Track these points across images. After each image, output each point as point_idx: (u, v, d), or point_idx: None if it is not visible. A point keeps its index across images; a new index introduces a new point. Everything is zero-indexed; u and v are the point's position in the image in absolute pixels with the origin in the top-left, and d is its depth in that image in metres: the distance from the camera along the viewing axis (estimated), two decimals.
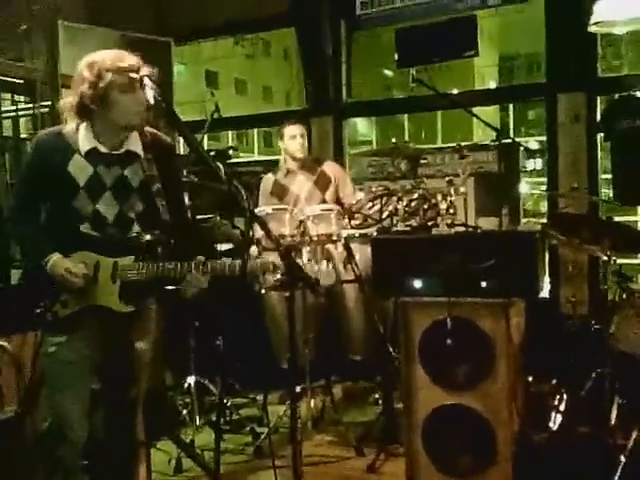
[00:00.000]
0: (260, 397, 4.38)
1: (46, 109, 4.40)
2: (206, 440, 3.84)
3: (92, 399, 2.50)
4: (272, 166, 4.86)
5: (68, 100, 2.44)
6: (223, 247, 4.70)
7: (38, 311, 2.41)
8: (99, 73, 2.35)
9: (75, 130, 2.46)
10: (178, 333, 4.09)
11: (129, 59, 2.38)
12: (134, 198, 2.52)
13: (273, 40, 33.75)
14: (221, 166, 2.18)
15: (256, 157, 6.81)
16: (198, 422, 3.92)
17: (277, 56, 35.50)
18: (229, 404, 4.15)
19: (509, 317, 3.12)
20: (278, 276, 2.10)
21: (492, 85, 28.70)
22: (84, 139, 2.45)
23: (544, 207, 8.61)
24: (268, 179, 4.65)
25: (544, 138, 5.67)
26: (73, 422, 2.42)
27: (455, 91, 6.87)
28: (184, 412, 3.98)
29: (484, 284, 3.17)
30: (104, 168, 2.47)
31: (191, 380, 3.99)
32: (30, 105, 4.69)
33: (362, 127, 8.28)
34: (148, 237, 2.48)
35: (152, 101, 2.22)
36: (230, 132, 7.37)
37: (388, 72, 26.71)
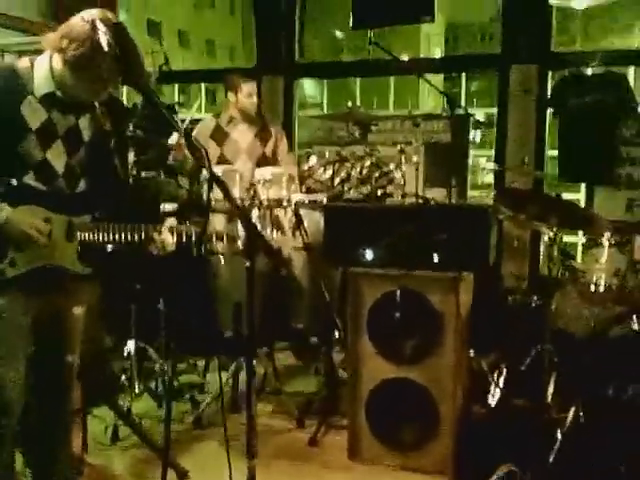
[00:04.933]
0: (200, 363, 4.31)
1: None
2: (144, 408, 3.75)
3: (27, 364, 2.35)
4: None
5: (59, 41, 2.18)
6: (167, 207, 4.55)
7: None
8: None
9: (29, 67, 2.25)
10: (118, 296, 3.93)
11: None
12: (82, 151, 2.36)
13: None
14: (180, 123, 2.03)
15: (202, 114, 6.52)
16: (137, 389, 3.80)
17: (222, 10, 34.59)
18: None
19: (459, 292, 3.10)
20: (239, 243, 2.00)
21: (437, 53, 28.85)
22: (42, 81, 2.24)
23: (480, 178, 8.70)
24: (209, 122, 4.56)
25: (490, 110, 5.68)
26: (12, 390, 2.27)
27: (405, 57, 6.79)
28: (123, 378, 3.85)
29: (436, 258, 3.14)
30: (58, 114, 2.28)
31: (131, 345, 3.85)
32: None
33: (310, 88, 8.13)
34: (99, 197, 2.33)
35: (106, 47, 2.03)
36: (177, 86, 7.04)
37: (339, 34, 26.42)
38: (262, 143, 4.50)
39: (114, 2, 6.25)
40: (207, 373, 4.18)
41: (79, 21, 2.15)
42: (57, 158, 2.31)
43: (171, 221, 2.47)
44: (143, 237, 2.39)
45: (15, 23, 4.72)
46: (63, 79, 2.21)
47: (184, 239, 2.42)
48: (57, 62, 2.20)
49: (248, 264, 1.77)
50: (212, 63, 31.40)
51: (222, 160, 4.35)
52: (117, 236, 2.36)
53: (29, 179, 2.26)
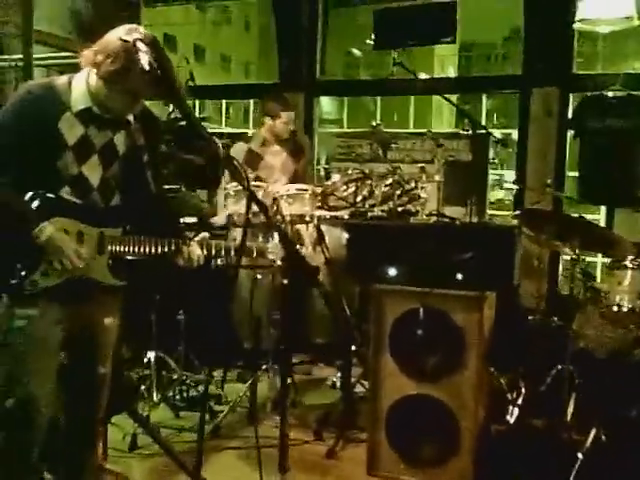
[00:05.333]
0: (216, 374, 4.31)
1: (15, 63, 4.12)
2: (161, 416, 3.76)
3: (59, 376, 2.36)
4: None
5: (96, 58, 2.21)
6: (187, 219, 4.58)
7: (14, 281, 2.20)
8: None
9: (67, 84, 2.28)
10: (138, 306, 3.95)
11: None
12: (117, 166, 2.39)
13: (234, 9, 33.10)
14: (218, 142, 2.06)
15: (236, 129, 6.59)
16: (155, 398, 3.81)
17: (238, 25, 34.88)
18: (188, 381, 4.05)
19: (483, 311, 3.10)
20: (279, 262, 2.02)
21: (451, 73, 28.99)
22: (80, 97, 2.27)
23: (495, 196, 8.74)
24: (240, 148, 4.58)
25: (505, 130, 5.72)
26: (40, 403, 2.27)
27: (424, 76, 6.84)
28: (142, 387, 3.86)
29: (460, 276, 3.15)
30: (95, 130, 2.31)
31: (151, 355, 3.86)
32: None
33: (327, 105, 8.19)
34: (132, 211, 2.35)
35: (147, 67, 2.06)
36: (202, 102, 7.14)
37: (357, 52, 26.60)
38: (295, 160, 4.58)
39: (139, 18, 6.36)
40: (225, 384, 4.18)
41: (114, 37, 2.19)
42: (93, 172, 2.33)
43: (202, 235, 2.48)
44: (173, 250, 2.41)
45: (45, 38, 4.79)
46: (98, 94, 2.25)
47: (213, 253, 2.44)
48: (93, 78, 2.24)
49: (285, 281, 1.78)
50: (227, 78, 31.62)
51: (258, 181, 4.35)
52: (147, 249, 2.38)
53: (64, 192, 2.28)
